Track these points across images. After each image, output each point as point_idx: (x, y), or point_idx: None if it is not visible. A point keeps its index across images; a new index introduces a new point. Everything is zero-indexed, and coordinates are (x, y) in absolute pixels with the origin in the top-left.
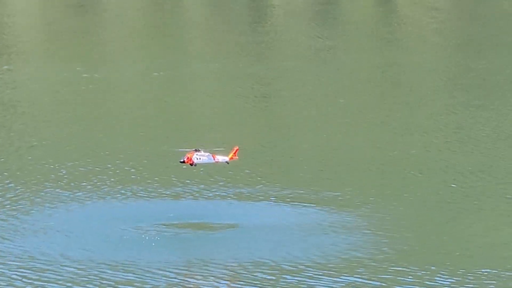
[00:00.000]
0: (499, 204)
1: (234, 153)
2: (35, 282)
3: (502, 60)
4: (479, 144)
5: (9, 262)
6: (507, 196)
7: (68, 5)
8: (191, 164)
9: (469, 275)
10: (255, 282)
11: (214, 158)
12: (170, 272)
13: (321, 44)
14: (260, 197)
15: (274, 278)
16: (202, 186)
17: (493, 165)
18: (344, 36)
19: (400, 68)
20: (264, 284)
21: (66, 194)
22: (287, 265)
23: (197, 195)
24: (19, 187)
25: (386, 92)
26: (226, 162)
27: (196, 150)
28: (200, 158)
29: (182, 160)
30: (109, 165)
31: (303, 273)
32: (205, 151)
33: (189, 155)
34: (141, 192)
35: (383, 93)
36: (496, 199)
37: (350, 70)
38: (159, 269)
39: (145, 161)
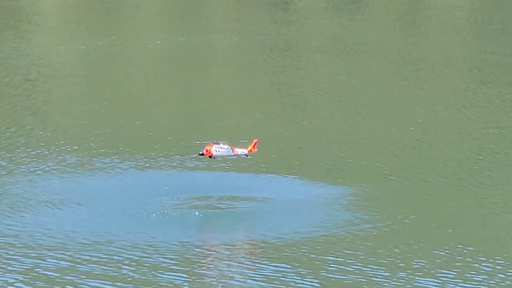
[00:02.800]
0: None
1: (254, 145)
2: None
3: None
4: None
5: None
6: None
7: None
8: (210, 157)
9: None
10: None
11: (233, 150)
12: (196, 248)
13: (347, 33)
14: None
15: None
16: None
17: None
18: (370, 26)
19: (431, 58)
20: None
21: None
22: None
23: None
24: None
25: (412, 83)
26: (245, 154)
27: (214, 143)
28: (219, 151)
29: (201, 153)
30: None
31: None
32: (224, 144)
33: (208, 148)
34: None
35: (409, 84)
36: None
37: (377, 61)
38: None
39: (162, 152)
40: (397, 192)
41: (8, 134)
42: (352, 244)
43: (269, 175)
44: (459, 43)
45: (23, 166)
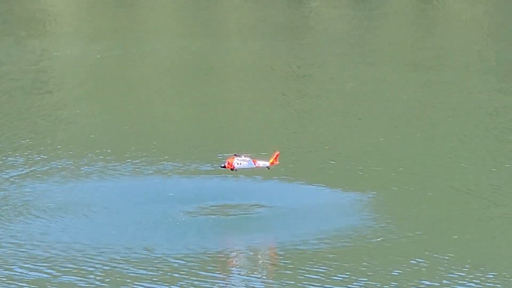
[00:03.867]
0: None
1: (275, 158)
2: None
3: None
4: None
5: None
6: None
7: None
8: (231, 169)
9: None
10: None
11: (254, 163)
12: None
13: (361, 33)
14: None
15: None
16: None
17: None
18: (383, 26)
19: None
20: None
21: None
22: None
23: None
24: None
25: (424, 85)
26: (267, 167)
27: (235, 155)
28: (240, 163)
29: (223, 166)
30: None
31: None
32: (245, 156)
33: (229, 160)
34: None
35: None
36: None
37: (391, 62)
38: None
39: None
40: (411, 199)
41: (19, 137)
42: (363, 255)
43: (291, 183)
44: (473, 47)
45: (38, 172)
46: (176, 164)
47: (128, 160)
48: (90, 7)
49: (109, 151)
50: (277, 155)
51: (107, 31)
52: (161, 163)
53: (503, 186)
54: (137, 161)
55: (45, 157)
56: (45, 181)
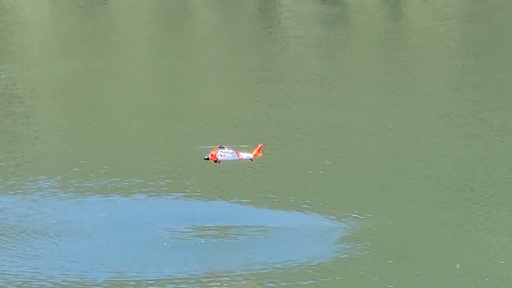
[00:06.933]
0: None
1: (258, 150)
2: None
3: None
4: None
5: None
6: None
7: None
8: (215, 161)
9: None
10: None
11: (238, 155)
12: (192, 278)
13: (330, 48)
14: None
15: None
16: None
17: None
18: (352, 37)
19: (410, 65)
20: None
21: (79, 192)
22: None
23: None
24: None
25: (395, 90)
26: (250, 159)
27: (220, 147)
28: (224, 155)
29: (206, 157)
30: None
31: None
32: (229, 148)
33: (213, 152)
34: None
35: (393, 90)
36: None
37: (360, 69)
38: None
39: (166, 158)
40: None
41: None
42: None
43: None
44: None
45: (19, 193)
46: (145, 183)
47: (95, 179)
48: (57, 17)
49: (75, 169)
50: (260, 148)
51: (74, 45)
52: (130, 183)
53: (496, 197)
54: (105, 180)
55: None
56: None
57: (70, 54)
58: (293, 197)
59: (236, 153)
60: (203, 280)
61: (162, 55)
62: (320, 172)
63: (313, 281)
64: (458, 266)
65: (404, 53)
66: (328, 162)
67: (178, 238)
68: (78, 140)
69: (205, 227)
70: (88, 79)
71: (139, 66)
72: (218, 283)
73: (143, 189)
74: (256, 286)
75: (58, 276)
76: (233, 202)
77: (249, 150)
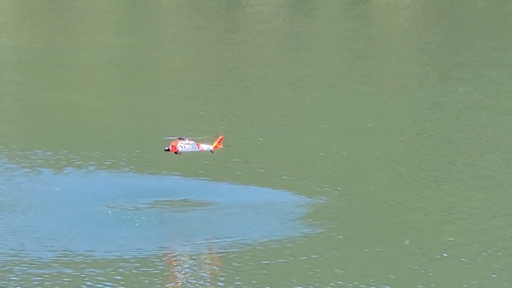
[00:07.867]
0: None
1: (219, 142)
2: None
3: (474, 50)
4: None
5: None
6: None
7: None
8: (175, 153)
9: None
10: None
11: (198, 146)
12: (151, 250)
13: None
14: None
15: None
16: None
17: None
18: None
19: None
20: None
21: (45, 173)
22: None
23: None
24: None
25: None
26: (211, 150)
27: (180, 139)
28: (184, 147)
29: (167, 148)
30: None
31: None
32: (189, 140)
33: (173, 144)
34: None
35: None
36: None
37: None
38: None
39: (129, 147)
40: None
41: None
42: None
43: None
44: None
45: None
46: (106, 158)
47: (58, 155)
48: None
49: (31, 143)
50: (220, 139)
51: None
52: (88, 158)
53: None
54: (65, 155)
55: None
56: None
57: (32, 31)
58: (259, 174)
59: (197, 144)
60: (161, 257)
61: (125, 33)
62: (285, 148)
63: (280, 259)
64: (407, 242)
65: (363, 42)
66: (294, 140)
67: (132, 213)
68: (36, 115)
69: (162, 201)
70: (49, 55)
71: (100, 44)
72: (175, 261)
73: (101, 164)
74: (218, 264)
75: (8, 251)
76: (196, 178)
77: (209, 142)
